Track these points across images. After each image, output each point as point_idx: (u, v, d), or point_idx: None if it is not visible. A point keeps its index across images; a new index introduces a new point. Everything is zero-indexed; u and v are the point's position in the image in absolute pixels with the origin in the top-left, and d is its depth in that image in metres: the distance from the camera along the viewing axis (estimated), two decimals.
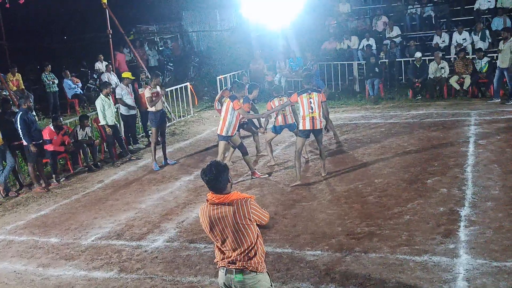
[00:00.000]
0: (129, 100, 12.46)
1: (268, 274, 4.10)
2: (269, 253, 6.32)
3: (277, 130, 9.96)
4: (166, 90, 15.47)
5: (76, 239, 7.63)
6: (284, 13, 17.32)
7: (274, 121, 9.95)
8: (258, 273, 3.97)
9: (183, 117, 15.80)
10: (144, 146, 13.04)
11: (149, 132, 12.48)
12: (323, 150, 9.26)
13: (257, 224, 3.97)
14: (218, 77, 17.08)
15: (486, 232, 6.38)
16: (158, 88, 10.95)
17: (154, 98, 10.73)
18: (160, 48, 23.64)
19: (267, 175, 9.58)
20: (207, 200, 3.97)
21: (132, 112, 12.67)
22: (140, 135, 13.72)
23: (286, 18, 17.42)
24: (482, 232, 6.39)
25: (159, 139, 11.08)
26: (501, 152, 9.36)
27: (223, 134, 9.07)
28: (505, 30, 13.89)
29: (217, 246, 4.04)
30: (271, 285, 4.09)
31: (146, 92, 10.90)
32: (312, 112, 8.69)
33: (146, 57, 20.83)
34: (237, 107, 8.91)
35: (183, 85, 16.09)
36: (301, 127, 8.86)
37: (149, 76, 12.30)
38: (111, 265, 6.67)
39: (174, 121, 15.31)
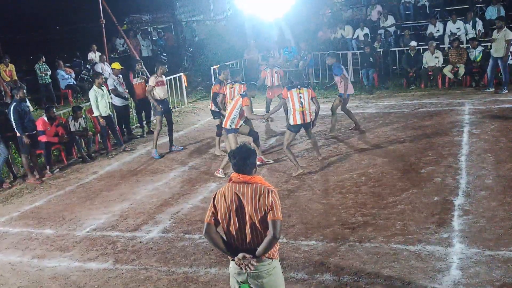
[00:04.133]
0: (121, 91, 12.39)
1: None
2: None
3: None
4: None
5: (70, 230, 7.62)
6: (278, 2, 17.27)
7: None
8: (273, 260, 3.98)
9: (177, 107, 15.75)
10: (138, 137, 13.00)
11: (153, 121, 12.65)
12: (314, 139, 9.49)
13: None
14: (212, 67, 17.01)
15: (479, 221, 6.41)
16: (163, 77, 11.10)
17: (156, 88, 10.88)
18: (154, 38, 23.49)
19: (272, 161, 9.75)
20: (230, 179, 4.02)
21: (125, 102, 12.61)
22: (134, 126, 13.67)
23: (280, 8, 17.37)
24: (476, 221, 6.42)
25: (165, 127, 11.29)
26: (495, 142, 9.40)
27: (227, 127, 9.07)
28: (499, 19, 13.89)
29: (231, 235, 3.99)
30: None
31: (151, 81, 10.94)
32: (302, 107, 8.85)
33: (140, 47, 20.70)
34: (244, 104, 8.90)
35: (176, 75, 16.03)
36: (292, 122, 8.95)
37: (143, 67, 12.26)
38: (106, 256, 6.67)
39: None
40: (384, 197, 7.53)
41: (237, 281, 4.02)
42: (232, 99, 9.54)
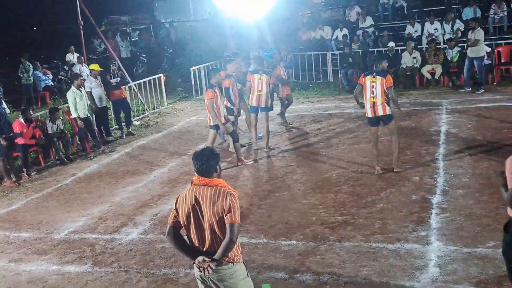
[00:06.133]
0: (99, 92, 12.28)
1: (245, 265, 4.10)
2: (245, 244, 6.33)
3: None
4: (139, 81, 15.41)
5: (48, 234, 7.53)
6: (258, 3, 17.29)
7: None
8: (234, 264, 3.97)
9: (156, 108, 15.67)
10: (117, 138, 12.90)
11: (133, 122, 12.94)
12: (267, 126, 10.14)
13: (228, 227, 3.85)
14: (192, 68, 16.96)
15: (457, 219, 6.49)
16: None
17: None
18: (133, 39, 23.35)
19: (252, 162, 9.72)
20: (192, 182, 4.00)
21: (103, 104, 12.50)
22: (113, 127, 13.56)
23: (260, 9, 17.39)
24: (453, 219, 6.50)
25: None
26: (472, 141, 9.52)
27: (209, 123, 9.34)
28: (474, 20, 14.10)
29: (191, 238, 4.02)
30: (247, 275, 4.10)
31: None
32: (259, 91, 9.84)
33: (118, 48, 20.55)
34: (207, 97, 9.10)
35: (156, 76, 15.93)
36: (249, 103, 10.14)
37: (121, 67, 12.13)
38: (84, 259, 6.60)
39: (148, 112, 15.19)
40: (364, 196, 7.58)
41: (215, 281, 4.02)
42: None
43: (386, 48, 15.71)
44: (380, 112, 8.11)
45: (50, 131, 11.10)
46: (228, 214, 3.83)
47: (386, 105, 8.10)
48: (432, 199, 7.19)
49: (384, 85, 8.01)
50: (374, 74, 8.13)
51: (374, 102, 8.10)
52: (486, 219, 6.40)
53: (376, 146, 8.46)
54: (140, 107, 15.36)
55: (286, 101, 12.31)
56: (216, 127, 9.31)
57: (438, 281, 5.20)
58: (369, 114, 8.22)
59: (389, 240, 6.16)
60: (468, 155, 8.76)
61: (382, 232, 6.38)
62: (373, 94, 8.09)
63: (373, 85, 8.07)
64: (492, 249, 5.63)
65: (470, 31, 13.69)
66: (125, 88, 13.72)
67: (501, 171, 4.05)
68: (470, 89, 13.73)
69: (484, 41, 14.50)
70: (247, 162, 9.70)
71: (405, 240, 6.09)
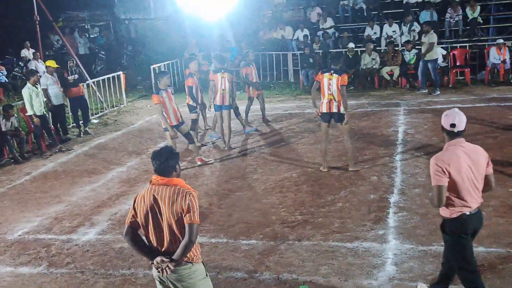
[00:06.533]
0: (56, 90, 11.99)
1: (203, 264, 4.07)
2: (204, 244, 6.29)
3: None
4: (98, 79, 15.12)
5: (1, 234, 7.30)
6: (219, 2, 17.23)
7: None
8: (193, 264, 3.93)
9: (115, 106, 15.42)
10: (74, 137, 12.62)
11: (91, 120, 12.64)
12: (229, 124, 10.19)
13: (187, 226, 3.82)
14: (152, 66, 16.76)
15: (413, 218, 6.63)
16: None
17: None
18: (92, 36, 22.91)
19: (212, 161, 9.67)
20: (151, 182, 3.95)
21: (60, 101, 12.21)
22: (71, 125, 13.26)
23: (221, 8, 17.34)
24: (410, 218, 6.64)
25: None
26: (428, 141, 9.75)
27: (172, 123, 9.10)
28: (426, 23, 14.46)
29: (150, 238, 3.96)
30: (206, 275, 4.07)
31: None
32: (223, 90, 9.91)
33: (76, 45, 20.12)
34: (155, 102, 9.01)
35: (115, 74, 15.68)
36: (214, 102, 10.20)
37: (79, 64, 11.88)
38: (39, 260, 6.42)
39: (107, 111, 14.93)
40: (323, 195, 7.65)
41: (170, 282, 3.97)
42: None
43: (346, 49, 15.92)
44: (335, 109, 8.29)
45: (3, 129, 10.76)
46: (187, 214, 3.79)
47: (341, 104, 8.25)
48: (390, 198, 7.32)
49: (339, 83, 8.18)
50: (332, 72, 8.28)
51: (331, 99, 8.26)
52: (441, 218, 6.54)
53: (324, 143, 8.61)
54: (99, 105, 15.09)
55: (260, 101, 12.27)
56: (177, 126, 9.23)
57: (395, 279, 5.30)
58: (324, 109, 8.36)
59: (348, 239, 6.23)
60: (424, 155, 8.95)
61: (341, 231, 6.46)
62: (329, 91, 8.25)
63: (330, 83, 8.23)
64: None
65: (424, 35, 14.03)
66: (83, 85, 13.43)
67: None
68: (427, 90, 14.06)
69: (440, 44, 14.92)
70: (208, 161, 9.65)
71: (363, 239, 6.18)
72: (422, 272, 5.35)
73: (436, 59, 13.94)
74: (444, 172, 4.17)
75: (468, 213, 4.26)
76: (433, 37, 13.62)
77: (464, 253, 4.35)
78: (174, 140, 9.15)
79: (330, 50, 17.06)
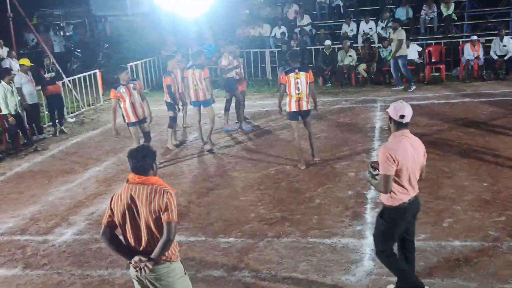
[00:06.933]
0: (30, 88, 11.81)
1: (182, 263, 4.06)
2: (183, 242, 6.27)
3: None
4: (74, 77, 14.94)
5: None
6: (197, 0, 17.12)
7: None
8: (172, 262, 3.92)
9: (92, 105, 15.26)
10: (50, 136, 12.45)
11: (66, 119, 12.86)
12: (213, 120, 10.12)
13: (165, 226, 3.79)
14: (129, 64, 16.60)
15: None
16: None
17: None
18: (67, 34, 22.61)
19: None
20: (127, 181, 3.92)
21: (35, 100, 12.03)
22: (46, 125, 13.08)
23: (199, 5, 17.24)
24: None
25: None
26: None
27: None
28: (395, 20, 14.62)
29: (127, 238, 3.93)
30: (185, 274, 4.06)
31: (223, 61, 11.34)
32: (195, 85, 9.84)
33: (51, 43, 19.84)
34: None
35: (91, 72, 15.50)
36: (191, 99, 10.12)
37: (54, 62, 11.72)
38: (14, 261, 6.32)
39: (83, 109, 14.76)
40: (302, 192, 7.68)
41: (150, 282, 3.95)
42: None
43: (323, 46, 15.99)
44: (304, 107, 8.46)
45: None
46: (165, 213, 3.77)
47: (309, 100, 8.45)
48: (367, 194, 7.38)
49: (308, 79, 8.35)
50: (297, 70, 8.41)
51: (299, 98, 8.40)
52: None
53: (299, 140, 8.72)
54: (75, 104, 14.91)
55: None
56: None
57: (372, 274, 5.35)
58: (293, 108, 8.49)
59: (326, 235, 6.27)
60: None
61: (319, 227, 6.49)
62: (298, 90, 8.39)
63: (297, 82, 8.35)
64: (423, 241, 5.85)
65: (392, 31, 14.18)
66: (61, 83, 13.26)
67: (372, 161, 4.67)
68: (403, 87, 14.20)
69: (415, 41, 15.09)
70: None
71: (341, 235, 6.23)
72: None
73: (406, 56, 14.07)
74: (393, 161, 4.36)
75: (407, 201, 4.51)
76: (401, 33, 13.79)
77: (389, 239, 4.67)
78: (137, 136, 9.03)
79: (307, 47, 17.14)
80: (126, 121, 9.03)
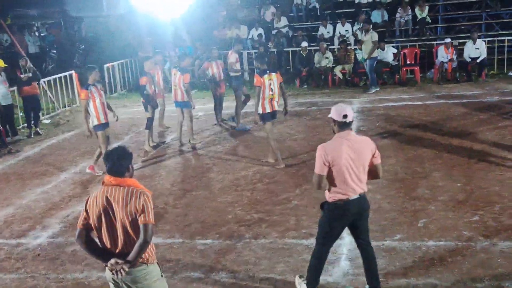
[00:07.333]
0: (3, 89, 11.63)
1: (159, 265, 4.04)
2: (160, 244, 6.24)
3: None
4: (49, 78, 14.75)
5: None
6: (174, 1, 17.07)
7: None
8: (148, 264, 3.90)
9: (68, 106, 15.08)
10: (24, 137, 12.27)
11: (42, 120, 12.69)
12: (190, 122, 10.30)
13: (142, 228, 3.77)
14: (105, 65, 16.47)
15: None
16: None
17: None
18: (42, 34, 22.29)
19: (101, 173, 9.01)
20: (103, 182, 3.89)
21: (9, 102, 11.84)
22: (21, 126, 12.88)
23: (176, 7, 17.19)
24: None
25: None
26: (380, 138, 9.95)
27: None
28: (366, 22, 14.80)
29: (103, 240, 3.90)
30: (162, 276, 4.05)
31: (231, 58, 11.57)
32: (175, 86, 10.15)
33: (26, 44, 19.55)
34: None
35: (67, 73, 15.32)
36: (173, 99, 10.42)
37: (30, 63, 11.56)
38: None
39: (59, 111, 14.58)
40: (278, 193, 7.71)
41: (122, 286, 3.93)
42: None
43: (300, 48, 16.07)
44: (276, 107, 8.75)
45: None
46: (142, 215, 3.76)
47: (279, 101, 8.79)
48: None
49: (279, 80, 8.70)
50: (268, 72, 8.67)
51: (272, 98, 8.64)
52: (393, 213, 6.72)
53: (274, 140, 8.90)
54: (50, 105, 14.72)
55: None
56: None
57: (348, 274, 5.40)
58: (268, 109, 8.67)
59: (303, 236, 6.31)
60: None
61: (296, 228, 6.53)
62: (271, 91, 8.62)
63: (270, 83, 8.59)
64: (399, 242, 5.93)
65: (363, 33, 14.35)
66: (37, 84, 13.08)
67: None
68: (378, 88, 14.34)
69: (390, 43, 15.26)
70: (97, 172, 9.15)
71: None
72: None
73: (376, 57, 14.24)
74: (324, 162, 4.54)
75: (345, 200, 4.61)
76: (374, 35, 13.98)
77: (328, 232, 4.85)
78: (106, 137, 8.93)
79: (284, 49, 17.20)
80: (96, 122, 8.75)
